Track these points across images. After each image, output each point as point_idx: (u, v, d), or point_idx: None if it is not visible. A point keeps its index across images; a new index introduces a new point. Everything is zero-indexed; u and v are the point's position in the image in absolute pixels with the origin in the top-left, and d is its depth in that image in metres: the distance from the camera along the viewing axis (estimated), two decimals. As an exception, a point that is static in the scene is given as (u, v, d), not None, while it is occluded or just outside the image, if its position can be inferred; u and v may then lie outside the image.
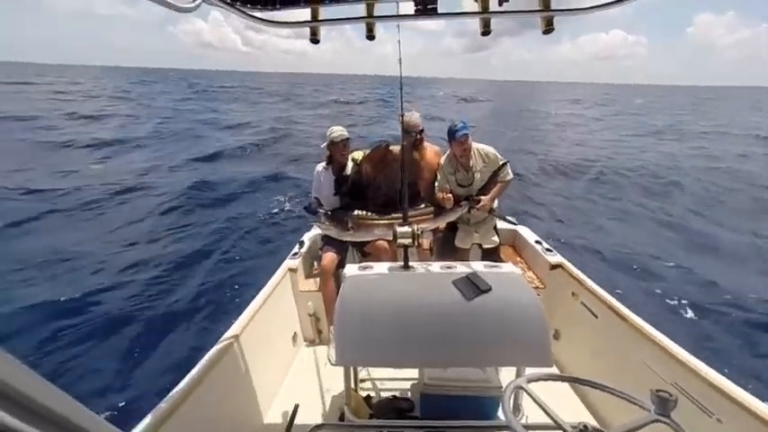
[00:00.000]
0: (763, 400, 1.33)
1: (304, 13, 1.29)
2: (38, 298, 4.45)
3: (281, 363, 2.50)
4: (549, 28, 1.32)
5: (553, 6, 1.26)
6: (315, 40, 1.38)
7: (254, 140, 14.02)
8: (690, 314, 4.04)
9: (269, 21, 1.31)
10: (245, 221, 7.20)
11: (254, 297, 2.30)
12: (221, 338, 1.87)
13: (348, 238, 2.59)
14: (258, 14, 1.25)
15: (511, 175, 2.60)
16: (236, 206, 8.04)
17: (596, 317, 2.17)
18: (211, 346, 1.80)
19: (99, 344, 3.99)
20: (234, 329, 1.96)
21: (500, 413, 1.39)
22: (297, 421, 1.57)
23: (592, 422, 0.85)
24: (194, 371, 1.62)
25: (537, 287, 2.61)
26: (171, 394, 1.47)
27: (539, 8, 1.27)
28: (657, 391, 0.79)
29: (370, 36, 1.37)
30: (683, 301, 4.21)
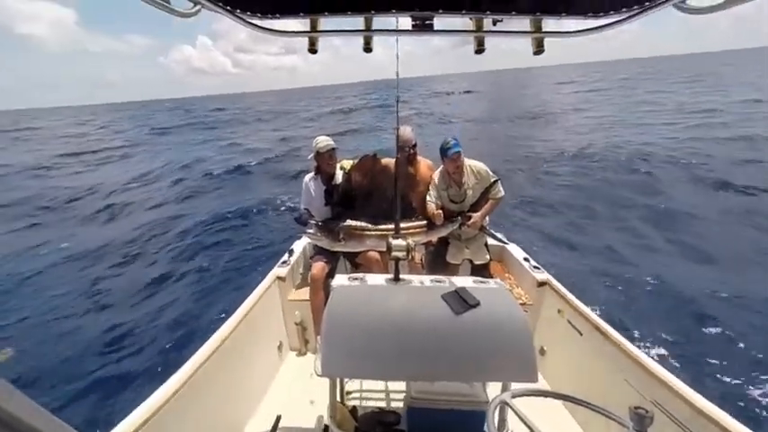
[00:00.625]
0: (734, 416, 1.37)
1: (302, 24, 1.31)
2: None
3: (266, 372, 2.44)
4: (539, 49, 1.36)
5: (544, 29, 1.31)
6: (313, 50, 1.39)
7: (258, 160, 13.92)
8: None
9: (268, 29, 1.32)
10: (237, 232, 7.14)
11: (240, 305, 2.26)
12: (203, 346, 1.82)
13: (339, 249, 2.57)
14: (257, 22, 1.26)
15: (502, 193, 2.64)
16: (225, 215, 7.98)
17: (581, 334, 2.19)
18: (192, 354, 1.76)
19: (77, 349, 3.85)
20: (217, 337, 1.92)
21: (486, 428, 1.37)
22: None
23: None
24: (173, 378, 1.58)
25: (524, 303, 2.62)
26: (147, 402, 1.42)
27: (530, 30, 1.31)
28: (635, 408, 0.80)
29: (368, 49, 1.40)
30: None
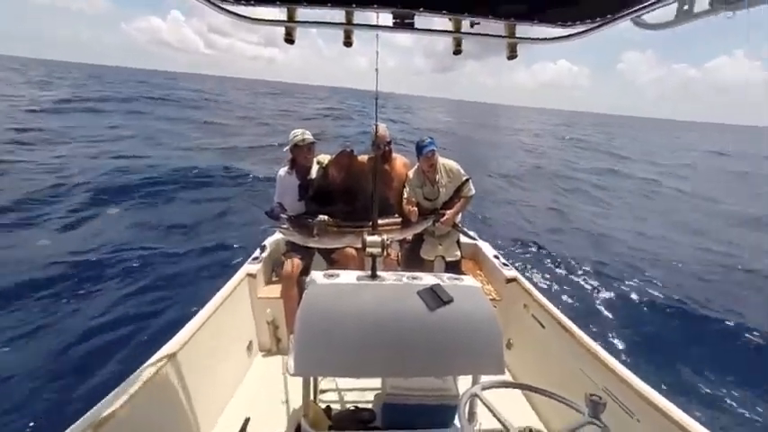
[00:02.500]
0: (674, 401, 1.51)
1: (281, 13, 1.27)
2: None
3: (234, 373, 2.35)
4: (512, 54, 1.43)
5: (518, 35, 1.37)
6: (289, 40, 1.35)
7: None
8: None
9: (243, 16, 1.27)
10: (201, 226, 6.79)
11: (207, 303, 2.15)
12: (164, 346, 1.73)
13: (313, 245, 2.53)
14: (231, 8, 1.21)
15: (473, 191, 2.72)
16: (191, 208, 7.57)
17: (544, 327, 2.31)
18: (153, 353, 1.66)
19: (29, 348, 3.52)
20: (181, 336, 1.82)
21: (457, 420, 1.42)
22: None
23: (538, 426, 0.91)
24: (131, 378, 1.48)
25: (494, 299, 2.72)
26: (97, 407, 1.33)
27: (505, 34, 1.37)
28: (590, 395, 0.86)
29: (348, 43, 1.38)
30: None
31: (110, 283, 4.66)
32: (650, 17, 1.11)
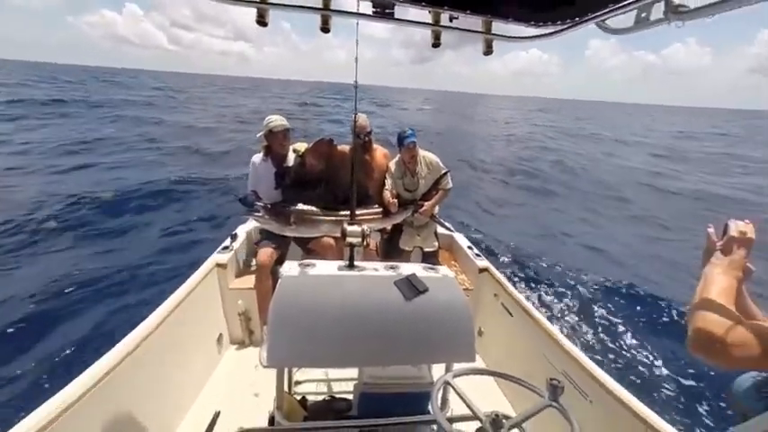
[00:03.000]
0: (622, 384, 1.65)
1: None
2: None
3: (202, 366, 2.30)
4: (488, 50, 1.47)
5: (494, 32, 1.41)
6: (262, 22, 1.29)
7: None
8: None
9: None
10: (166, 215, 6.46)
11: (171, 294, 2.07)
12: (125, 338, 1.65)
13: (290, 234, 2.49)
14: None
15: (450, 185, 2.78)
16: (154, 199, 7.16)
17: (512, 315, 2.43)
18: (112, 346, 1.58)
19: None
20: (143, 328, 1.75)
21: (430, 407, 1.47)
22: (217, 429, 1.45)
23: (506, 410, 0.96)
24: (90, 370, 1.42)
25: (467, 289, 2.81)
26: (58, 395, 1.27)
27: (482, 30, 1.40)
28: (550, 380, 0.92)
29: (325, 29, 1.34)
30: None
31: (63, 278, 4.36)
32: (612, 22, 1.23)
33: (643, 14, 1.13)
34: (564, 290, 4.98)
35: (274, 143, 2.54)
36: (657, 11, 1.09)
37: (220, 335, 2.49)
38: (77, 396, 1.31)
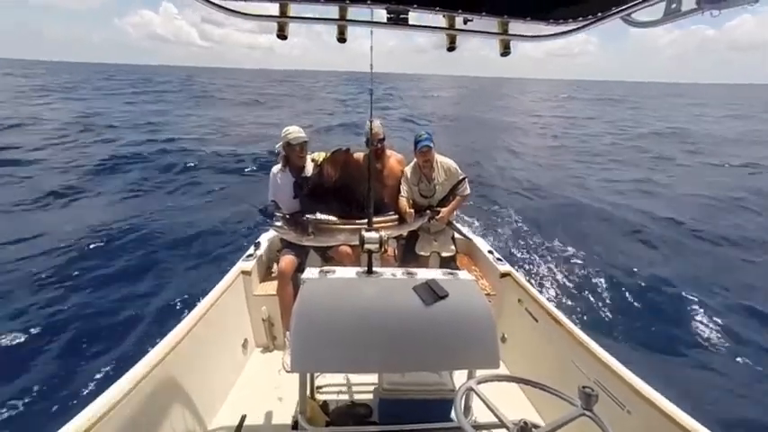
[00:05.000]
0: (664, 394, 1.54)
1: (272, 8, 1.25)
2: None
3: (230, 371, 2.35)
4: (505, 51, 1.44)
5: (511, 32, 1.38)
6: (282, 36, 1.34)
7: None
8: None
9: (234, 11, 1.25)
10: (198, 222, 6.73)
11: (201, 301, 2.14)
12: (158, 344, 1.71)
13: (308, 243, 2.53)
14: (224, 4, 1.19)
15: (468, 191, 2.74)
16: (185, 205, 7.48)
17: (537, 321, 2.34)
18: (147, 352, 1.65)
19: (26, 346, 3.47)
20: (175, 334, 1.81)
21: (453, 414, 1.43)
22: (245, 431, 1.48)
23: (533, 418, 0.92)
24: (125, 377, 1.47)
25: (488, 294, 2.75)
26: (100, 399, 1.32)
27: (498, 31, 1.37)
28: (583, 387, 0.88)
29: (342, 39, 1.37)
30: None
31: (103, 279, 4.61)
32: (639, 15, 1.14)
33: (673, 5, 1.04)
34: (598, 292, 4.74)
35: (292, 155, 2.59)
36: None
37: (245, 340, 2.55)
38: (116, 400, 1.36)
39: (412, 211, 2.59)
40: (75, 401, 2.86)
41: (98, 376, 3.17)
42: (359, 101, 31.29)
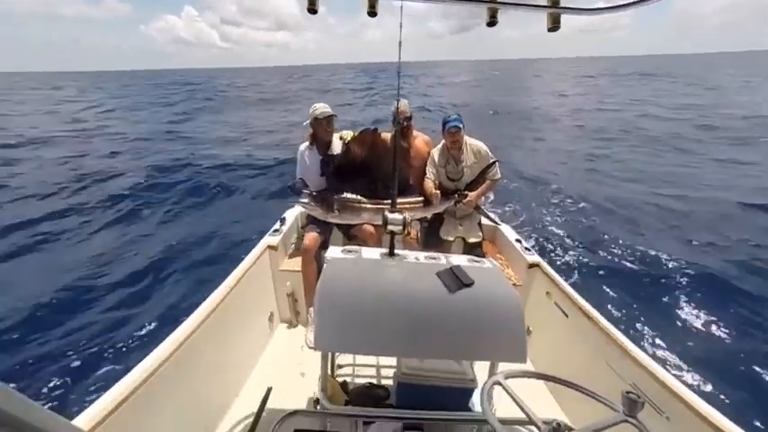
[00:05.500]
0: (706, 400, 1.44)
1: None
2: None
3: (256, 343, 2.46)
4: (555, 26, 1.30)
5: (563, 5, 1.25)
6: (312, 9, 1.29)
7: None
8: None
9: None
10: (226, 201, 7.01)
11: (229, 274, 2.22)
12: (190, 317, 1.80)
13: (333, 220, 2.55)
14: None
15: (499, 175, 2.63)
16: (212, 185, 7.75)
17: (567, 316, 2.24)
18: (179, 326, 1.73)
19: (63, 318, 3.84)
20: (206, 306, 1.89)
21: (470, 404, 1.43)
22: (269, 405, 1.55)
23: (561, 417, 0.89)
24: (158, 350, 1.55)
25: (515, 284, 2.67)
26: (130, 375, 1.40)
27: (548, 4, 1.25)
28: (627, 392, 0.81)
29: (372, 12, 1.30)
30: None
31: (131, 264, 4.90)
32: None
33: None
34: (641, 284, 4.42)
35: (319, 130, 2.59)
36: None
37: (271, 314, 2.65)
38: (149, 373, 1.43)
39: (438, 192, 2.53)
40: (110, 373, 3.12)
41: (135, 344, 3.43)
42: (376, 89, 30.60)
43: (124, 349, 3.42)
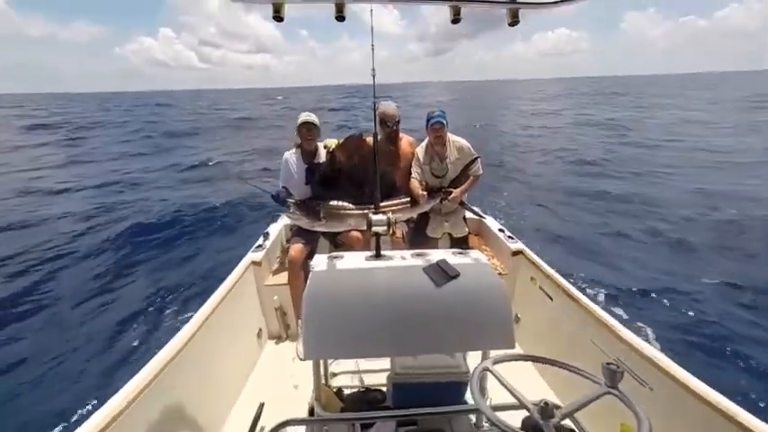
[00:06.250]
0: (688, 369, 1.49)
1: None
2: None
3: (246, 360, 2.39)
4: (514, 20, 1.35)
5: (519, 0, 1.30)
6: (278, 17, 1.29)
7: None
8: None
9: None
10: (203, 215, 6.83)
11: (212, 294, 2.17)
12: (174, 338, 1.75)
13: (320, 229, 2.53)
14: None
15: (481, 171, 2.67)
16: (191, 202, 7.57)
17: (552, 299, 2.29)
18: (165, 344, 1.69)
19: (45, 341, 3.64)
20: (192, 325, 1.84)
21: (467, 397, 1.42)
22: (262, 420, 1.50)
23: (551, 398, 0.89)
24: (148, 368, 1.51)
25: (500, 273, 2.70)
26: (115, 397, 1.36)
27: (505, 0, 1.30)
28: (607, 364, 0.83)
29: (340, 17, 1.32)
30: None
31: (114, 281, 4.73)
32: None
33: None
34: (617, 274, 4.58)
35: (301, 136, 2.60)
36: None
37: (260, 330, 2.59)
38: (135, 395, 1.39)
39: (424, 193, 2.55)
40: (91, 399, 2.97)
41: (116, 373, 3.26)
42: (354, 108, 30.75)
43: (106, 378, 3.27)
